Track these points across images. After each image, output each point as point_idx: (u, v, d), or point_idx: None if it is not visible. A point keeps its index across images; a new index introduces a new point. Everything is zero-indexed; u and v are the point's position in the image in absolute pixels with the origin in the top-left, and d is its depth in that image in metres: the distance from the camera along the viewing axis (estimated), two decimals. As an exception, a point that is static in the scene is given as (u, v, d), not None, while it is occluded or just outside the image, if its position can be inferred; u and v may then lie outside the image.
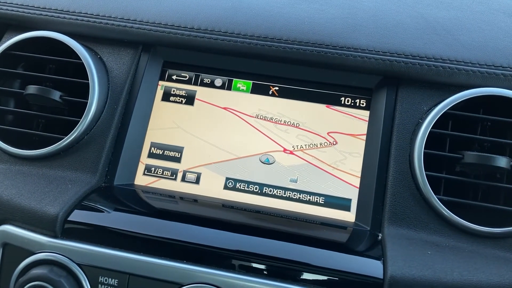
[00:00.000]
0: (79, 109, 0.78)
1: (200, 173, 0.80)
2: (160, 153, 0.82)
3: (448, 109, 0.73)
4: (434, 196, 0.69)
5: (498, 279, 0.63)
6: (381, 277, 0.62)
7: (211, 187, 0.79)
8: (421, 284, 0.61)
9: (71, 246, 0.67)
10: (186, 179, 0.80)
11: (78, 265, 0.66)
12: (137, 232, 0.67)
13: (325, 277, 0.63)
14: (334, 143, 0.80)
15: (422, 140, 0.71)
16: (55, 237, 0.67)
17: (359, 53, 0.77)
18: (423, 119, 0.73)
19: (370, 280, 0.62)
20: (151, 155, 0.82)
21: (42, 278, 0.64)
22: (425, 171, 0.70)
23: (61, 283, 0.64)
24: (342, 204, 0.75)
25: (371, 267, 0.64)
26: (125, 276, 0.65)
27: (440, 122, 0.73)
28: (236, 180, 0.79)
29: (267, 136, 0.81)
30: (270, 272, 0.64)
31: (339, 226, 0.74)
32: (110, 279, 0.65)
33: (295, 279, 0.63)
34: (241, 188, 0.79)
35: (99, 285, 0.65)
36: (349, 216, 0.75)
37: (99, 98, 0.79)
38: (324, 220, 0.75)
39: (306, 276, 0.64)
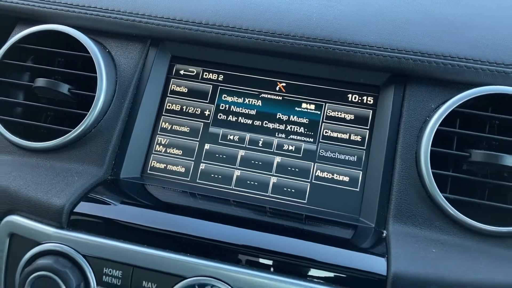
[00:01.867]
0: (87, 103, 0.79)
1: (208, 169, 0.81)
2: (167, 147, 0.82)
3: (456, 107, 0.72)
4: (440, 194, 0.68)
5: (503, 277, 0.62)
6: (385, 274, 0.62)
7: (219, 182, 0.80)
8: (425, 282, 0.61)
9: (76, 237, 0.67)
10: (193, 174, 0.81)
11: (84, 256, 0.66)
12: (142, 224, 0.67)
13: (329, 273, 0.63)
14: (341, 139, 0.80)
15: (429, 137, 0.70)
16: (61, 228, 0.68)
17: (367, 50, 0.77)
18: (431, 116, 0.73)
19: (373, 277, 0.62)
20: (157, 149, 0.82)
21: (47, 269, 0.65)
22: (431, 169, 0.70)
23: (66, 274, 0.65)
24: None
25: (375, 264, 0.64)
26: (129, 268, 0.66)
27: (448, 120, 0.72)
28: (246, 178, 0.79)
29: (277, 137, 0.81)
30: (274, 266, 0.64)
31: (344, 223, 0.73)
32: (114, 271, 0.66)
33: (299, 274, 0.63)
34: (251, 184, 0.79)
35: (104, 276, 0.66)
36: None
37: (107, 92, 0.79)
38: (329, 216, 0.75)
39: (310, 271, 0.63)
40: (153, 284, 0.65)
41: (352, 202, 0.77)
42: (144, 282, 0.65)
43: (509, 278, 0.62)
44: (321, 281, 0.63)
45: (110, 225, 0.68)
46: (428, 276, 0.61)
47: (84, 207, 0.69)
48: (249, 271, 0.64)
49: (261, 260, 0.65)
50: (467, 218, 0.67)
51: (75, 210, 0.69)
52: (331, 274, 0.63)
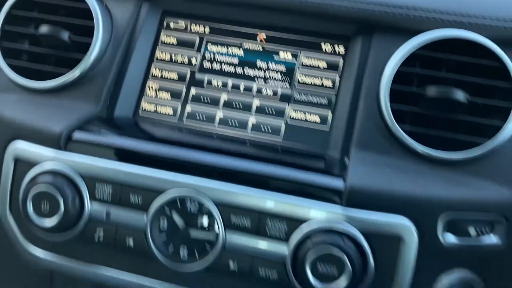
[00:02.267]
0: (86, 50, 0.88)
1: (194, 110, 0.89)
2: (157, 91, 0.91)
3: (416, 50, 0.79)
4: (396, 124, 0.76)
5: (447, 193, 0.70)
6: (342, 188, 0.71)
7: (204, 122, 0.88)
8: (377, 194, 0.69)
9: (73, 158, 0.76)
10: (180, 115, 0.89)
11: (79, 174, 0.75)
12: (130, 148, 0.76)
13: (297, 189, 0.72)
14: (314, 85, 0.88)
15: (389, 76, 0.78)
16: (59, 150, 0.77)
17: (336, 2, 0.85)
18: (392, 59, 0.80)
19: (332, 191, 0.71)
20: (148, 93, 0.91)
21: (47, 184, 0.73)
22: (390, 104, 0.77)
23: (63, 189, 0.74)
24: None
25: (335, 181, 0.72)
26: (118, 184, 0.74)
27: (408, 63, 0.80)
28: (228, 118, 0.88)
29: (256, 82, 0.89)
30: (248, 182, 0.73)
31: (313, 154, 0.82)
32: (105, 187, 0.75)
33: (270, 188, 0.72)
34: (232, 123, 0.88)
35: (96, 192, 0.75)
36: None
37: (103, 39, 0.88)
38: (300, 151, 0.84)
39: (279, 186, 0.72)
40: (139, 197, 0.74)
41: (322, 139, 0.85)
42: (131, 196, 0.74)
43: (453, 194, 0.71)
44: (290, 194, 0.71)
45: (103, 148, 0.77)
46: (381, 189, 0.70)
47: (80, 134, 0.78)
48: (226, 185, 0.72)
49: (238, 178, 0.73)
50: (421, 145, 0.75)
51: (73, 136, 0.78)
52: (299, 189, 0.72)
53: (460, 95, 0.76)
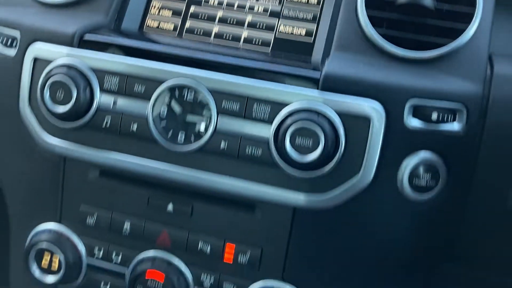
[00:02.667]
0: None
1: (192, 26, 0.99)
2: (160, 9, 1.01)
3: None
4: (371, 27, 0.85)
5: (414, 82, 0.79)
6: (319, 76, 0.80)
7: (201, 36, 0.98)
8: (349, 80, 0.79)
9: (85, 54, 0.87)
10: (180, 30, 0.99)
11: (90, 68, 0.86)
12: (136, 46, 0.87)
13: (280, 78, 0.82)
14: (301, 2, 0.97)
15: (365, -13, 0.88)
16: (73, 48, 0.87)
17: None
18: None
19: (310, 79, 0.81)
20: (152, 11, 1.01)
21: (61, 74, 0.84)
22: (366, 10, 0.87)
23: (76, 80, 0.84)
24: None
25: (313, 72, 0.82)
26: (124, 76, 0.85)
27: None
28: (222, 32, 0.98)
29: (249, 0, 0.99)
30: (237, 73, 0.83)
31: (298, 58, 0.92)
32: (113, 78, 0.85)
33: (257, 77, 0.82)
34: (227, 38, 0.97)
35: (105, 83, 0.85)
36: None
37: None
38: (287, 56, 0.93)
39: (265, 77, 0.82)
40: (142, 87, 0.84)
41: (307, 50, 0.94)
42: (135, 85, 0.84)
43: (419, 82, 0.80)
44: (273, 80, 0.82)
45: (112, 46, 0.87)
46: (354, 76, 0.79)
47: (91, 36, 0.89)
48: (219, 75, 0.83)
49: (230, 69, 0.83)
50: (393, 45, 0.84)
51: (84, 37, 0.88)
52: (282, 80, 0.82)
53: (427, 1, 0.85)
